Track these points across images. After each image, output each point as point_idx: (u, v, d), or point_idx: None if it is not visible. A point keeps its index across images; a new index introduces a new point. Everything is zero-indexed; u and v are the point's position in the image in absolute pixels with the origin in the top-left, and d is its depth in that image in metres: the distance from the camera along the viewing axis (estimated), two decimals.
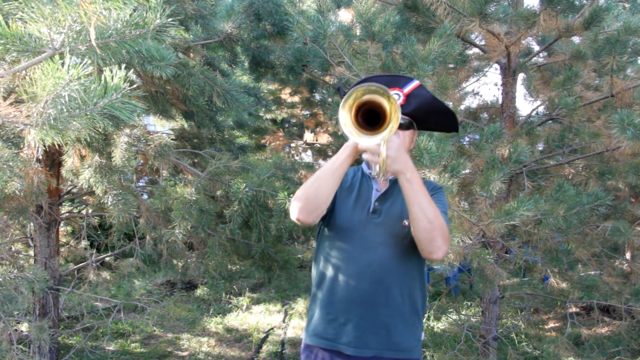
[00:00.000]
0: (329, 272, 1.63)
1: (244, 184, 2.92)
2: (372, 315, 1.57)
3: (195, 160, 4.56)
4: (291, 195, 2.82)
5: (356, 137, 1.35)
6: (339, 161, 1.45)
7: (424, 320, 5.20)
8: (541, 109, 3.90)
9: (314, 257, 1.76)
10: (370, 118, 1.37)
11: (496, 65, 3.95)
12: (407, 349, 1.60)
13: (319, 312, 1.64)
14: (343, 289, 1.59)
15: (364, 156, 1.46)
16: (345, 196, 1.66)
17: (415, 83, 1.58)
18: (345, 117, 1.34)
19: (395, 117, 1.29)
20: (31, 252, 4.27)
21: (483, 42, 3.67)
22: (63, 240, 5.01)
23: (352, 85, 1.65)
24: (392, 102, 1.30)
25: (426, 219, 1.42)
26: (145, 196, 4.59)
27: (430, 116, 1.63)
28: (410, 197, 1.42)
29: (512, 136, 3.23)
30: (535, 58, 4.03)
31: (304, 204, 1.49)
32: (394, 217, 1.57)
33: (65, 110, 1.18)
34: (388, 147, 1.35)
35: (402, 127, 1.57)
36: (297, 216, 1.51)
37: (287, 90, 7.73)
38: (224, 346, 4.78)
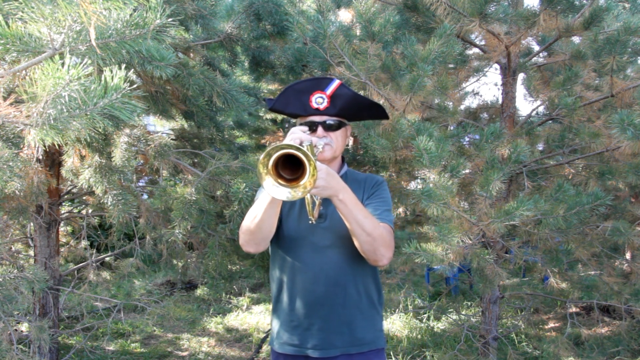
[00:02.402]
0: (286, 281, 1.67)
1: (244, 184, 2.91)
2: (333, 316, 1.61)
3: (195, 160, 4.56)
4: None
5: (267, 186, 1.26)
6: None
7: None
8: (541, 109, 3.89)
9: (270, 270, 1.79)
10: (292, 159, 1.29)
11: (496, 65, 3.94)
12: (370, 342, 1.67)
13: (282, 321, 1.69)
14: (301, 295, 1.63)
15: None
16: (289, 207, 1.68)
17: (336, 83, 1.60)
18: (263, 166, 1.25)
19: (309, 180, 1.23)
20: (31, 252, 4.27)
21: (483, 42, 3.67)
22: (63, 240, 5.01)
23: (279, 94, 1.64)
24: (309, 160, 1.22)
25: (365, 233, 1.46)
26: (145, 196, 4.59)
27: (357, 111, 1.68)
28: (346, 216, 1.45)
29: (512, 136, 3.23)
30: (535, 58, 4.02)
31: (250, 238, 1.53)
32: (340, 219, 1.56)
33: (65, 110, 1.18)
34: (316, 177, 1.27)
35: (332, 128, 1.61)
36: (247, 249, 1.57)
37: None
38: (224, 346, 4.78)
